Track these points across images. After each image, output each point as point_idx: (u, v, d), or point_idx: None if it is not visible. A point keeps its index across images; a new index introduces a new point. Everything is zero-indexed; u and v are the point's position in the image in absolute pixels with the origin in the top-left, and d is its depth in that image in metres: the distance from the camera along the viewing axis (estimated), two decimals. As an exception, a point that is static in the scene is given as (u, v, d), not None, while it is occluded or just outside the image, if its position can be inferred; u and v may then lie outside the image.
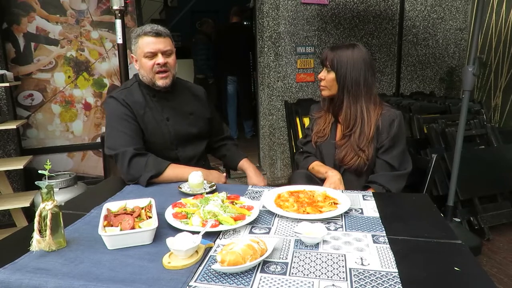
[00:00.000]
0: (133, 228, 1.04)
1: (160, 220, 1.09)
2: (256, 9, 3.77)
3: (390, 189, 1.56)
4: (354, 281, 0.84)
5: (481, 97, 4.24)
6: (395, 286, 0.82)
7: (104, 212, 1.13)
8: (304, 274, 0.87)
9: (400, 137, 1.59)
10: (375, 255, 0.95)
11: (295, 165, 2.05)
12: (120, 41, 2.66)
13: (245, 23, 5.81)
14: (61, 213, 1.01)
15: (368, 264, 0.91)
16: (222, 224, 1.11)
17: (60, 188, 2.63)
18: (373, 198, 1.37)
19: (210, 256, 0.96)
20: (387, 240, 1.03)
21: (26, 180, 3.16)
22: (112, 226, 1.06)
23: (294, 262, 0.92)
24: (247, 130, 5.35)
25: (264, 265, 0.91)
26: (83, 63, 3.32)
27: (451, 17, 4.32)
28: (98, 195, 1.48)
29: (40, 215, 0.97)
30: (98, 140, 3.38)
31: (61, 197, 2.49)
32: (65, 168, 3.35)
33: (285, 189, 1.41)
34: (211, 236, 1.06)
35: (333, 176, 1.58)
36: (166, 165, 1.57)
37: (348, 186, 1.60)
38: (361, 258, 0.94)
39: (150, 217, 1.11)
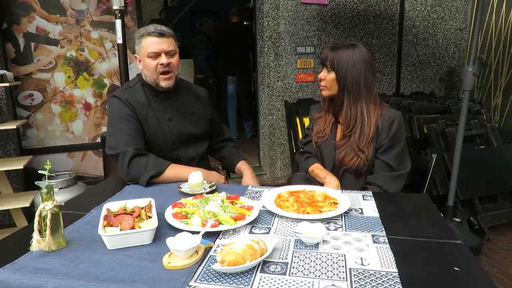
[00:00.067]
0: (133, 228, 1.04)
1: (160, 220, 1.09)
2: (256, 9, 3.77)
3: (388, 190, 1.55)
4: (354, 281, 0.84)
5: (481, 97, 4.24)
6: (395, 286, 0.82)
7: (104, 212, 1.13)
8: (304, 274, 0.87)
9: (400, 138, 1.59)
10: (375, 255, 0.95)
11: (295, 165, 2.05)
12: (120, 41, 2.66)
13: (245, 23, 5.81)
14: (61, 213, 1.01)
15: (368, 264, 0.91)
16: (222, 224, 1.11)
17: (60, 188, 2.63)
18: (373, 198, 1.37)
19: (210, 256, 0.96)
20: (387, 240, 1.03)
21: (26, 180, 3.16)
22: (112, 226, 1.06)
23: (294, 262, 0.92)
24: (247, 130, 5.35)
25: (264, 265, 0.91)
26: (83, 63, 3.32)
27: (451, 17, 4.32)
28: (98, 195, 1.48)
29: (40, 215, 0.97)
30: (98, 140, 3.38)
31: (61, 197, 2.49)
32: (65, 168, 3.35)
33: (285, 189, 1.41)
34: (211, 236, 1.06)
35: (331, 182, 1.58)
36: (166, 165, 1.57)
37: (347, 187, 1.59)
38: (361, 258, 0.94)
39: (150, 217, 1.11)
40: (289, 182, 1.67)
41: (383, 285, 0.83)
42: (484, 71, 4.17)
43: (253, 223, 1.16)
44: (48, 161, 1.05)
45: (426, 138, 3.06)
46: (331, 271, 0.88)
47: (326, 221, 1.17)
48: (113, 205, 1.18)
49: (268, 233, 1.10)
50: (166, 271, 0.89)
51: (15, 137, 3.05)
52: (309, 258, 0.95)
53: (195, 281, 0.85)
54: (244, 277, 0.86)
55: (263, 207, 1.28)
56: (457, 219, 2.71)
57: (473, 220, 2.74)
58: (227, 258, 0.86)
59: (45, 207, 0.97)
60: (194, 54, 5.21)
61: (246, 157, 1.93)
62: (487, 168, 2.88)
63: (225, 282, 0.84)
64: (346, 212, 1.23)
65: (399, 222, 1.17)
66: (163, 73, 1.63)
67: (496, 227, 2.80)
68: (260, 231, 1.11)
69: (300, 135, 3.51)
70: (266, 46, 3.69)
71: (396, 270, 0.88)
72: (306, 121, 3.40)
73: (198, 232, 0.99)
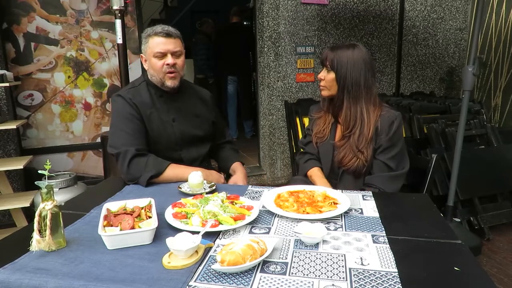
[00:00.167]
0: (133, 228, 1.04)
1: (160, 220, 1.09)
2: (256, 9, 3.77)
3: (386, 191, 1.55)
4: (354, 281, 0.84)
5: (481, 97, 4.24)
6: (395, 286, 0.82)
7: (104, 212, 1.13)
8: (304, 274, 0.87)
9: (399, 138, 1.58)
10: (375, 255, 0.95)
11: (296, 166, 2.06)
12: (120, 41, 2.66)
13: (245, 23, 5.81)
14: (61, 213, 1.01)
15: (368, 264, 0.91)
16: (222, 224, 1.11)
17: (60, 188, 2.63)
18: (373, 198, 1.37)
19: (210, 256, 0.96)
20: (387, 240, 1.03)
21: (26, 180, 3.16)
22: (112, 226, 1.06)
23: (294, 262, 0.92)
24: (247, 130, 5.35)
25: (264, 265, 0.91)
26: (83, 63, 3.32)
27: (451, 17, 4.32)
28: (98, 195, 1.48)
29: (40, 215, 0.97)
30: (98, 140, 3.38)
31: (61, 197, 2.49)
32: (65, 168, 3.35)
33: (285, 189, 1.41)
34: (211, 236, 1.06)
35: None
36: (166, 165, 1.57)
37: (347, 188, 1.59)
38: (361, 258, 0.94)
39: (150, 217, 1.11)
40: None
41: (383, 285, 0.83)
42: (484, 71, 4.17)
43: (253, 223, 1.16)
44: (48, 161, 1.05)
45: (426, 138, 3.06)
46: (331, 271, 0.88)
47: (326, 221, 1.17)
48: (113, 205, 1.18)
49: (268, 233, 1.10)
50: (166, 271, 0.89)
51: (15, 137, 3.05)
52: (309, 258, 0.95)
53: (195, 281, 0.85)
54: (244, 277, 0.86)
55: (263, 207, 1.28)
56: (457, 219, 2.71)
57: (473, 220, 2.74)
58: (227, 258, 0.86)
59: (45, 207, 0.97)
60: (194, 54, 5.22)
61: (243, 159, 1.93)
62: (487, 168, 2.88)
63: (225, 282, 0.84)
64: (346, 212, 1.23)
65: (399, 222, 1.17)
66: (168, 73, 1.63)
67: (496, 227, 2.80)
68: (260, 231, 1.11)
69: (300, 135, 3.52)
70: (266, 46, 3.69)
71: (396, 270, 0.88)
72: (306, 121, 3.39)
73: (198, 232, 0.99)
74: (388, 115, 1.58)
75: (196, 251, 0.95)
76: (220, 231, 1.09)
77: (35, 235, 0.96)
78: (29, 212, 2.81)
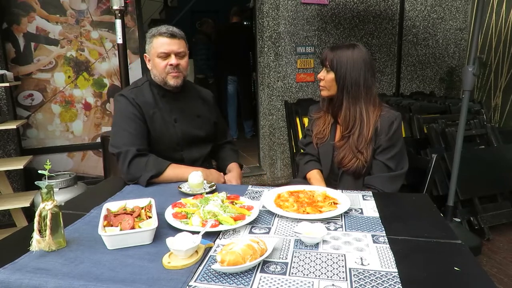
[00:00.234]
0: (133, 228, 1.04)
1: (160, 220, 1.09)
2: (256, 9, 3.77)
3: (385, 191, 1.54)
4: (354, 281, 0.84)
5: (481, 97, 4.24)
6: (395, 286, 0.82)
7: (104, 212, 1.13)
8: (304, 274, 0.87)
9: (398, 138, 1.58)
10: (375, 255, 0.95)
11: (296, 166, 2.05)
12: (120, 41, 2.66)
13: (245, 23, 5.81)
14: (61, 213, 1.01)
15: (368, 264, 0.91)
16: (222, 224, 1.11)
17: (60, 188, 2.63)
18: (373, 198, 1.37)
19: (210, 256, 0.96)
20: (387, 240, 1.03)
21: (26, 180, 3.16)
22: (112, 226, 1.06)
23: (294, 262, 0.92)
24: (247, 130, 5.35)
25: (264, 265, 0.91)
26: (83, 63, 3.32)
27: (451, 17, 4.32)
28: (98, 195, 1.48)
29: (40, 215, 0.97)
30: (98, 140, 3.38)
31: (61, 197, 2.49)
32: (65, 168, 3.35)
33: (285, 189, 1.41)
34: (211, 236, 1.06)
35: None
36: (166, 165, 1.57)
37: (346, 188, 1.58)
38: (361, 258, 0.94)
39: (150, 217, 1.11)
40: None
41: (383, 285, 0.83)
42: (484, 71, 4.17)
43: (253, 223, 1.16)
44: (48, 161, 1.05)
45: (426, 138, 3.06)
46: (331, 271, 0.88)
47: (326, 221, 1.17)
48: (113, 205, 1.18)
49: (268, 233, 1.10)
50: (166, 271, 0.89)
51: (15, 137, 3.05)
52: (309, 258, 0.95)
53: (195, 281, 0.85)
54: (244, 277, 0.86)
55: (263, 207, 1.28)
56: (457, 219, 2.72)
57: (473, 220, 2.74)
58: (227, 258, 0.86)
59: (45, 207, 0.97)
60: (194, 54, 5.22)
61: (243, 159, 1.93)
62: (487, 168, 2.88)
63: (225, 282, 0.84)
64: (346, 212, 1.23)
65: (399, 222, 1.17)
66: (171, 73, 1.63)
67: (496, 227, 2.80)
68: (260, 231, 1.11)
69: (300, 135, 3.52)
70: (266, 46, 3.69)
71: (396, 270, 0.88)
72: (306, 121, 3.39)
73: (198, 232, 0.99)
74: (388, 115, 1.57)
75: (196, 251, 0.95)
76: (220, 231, 1.09)
77: (35, 235, 0.96)
78: (29, 212, 2.81)
